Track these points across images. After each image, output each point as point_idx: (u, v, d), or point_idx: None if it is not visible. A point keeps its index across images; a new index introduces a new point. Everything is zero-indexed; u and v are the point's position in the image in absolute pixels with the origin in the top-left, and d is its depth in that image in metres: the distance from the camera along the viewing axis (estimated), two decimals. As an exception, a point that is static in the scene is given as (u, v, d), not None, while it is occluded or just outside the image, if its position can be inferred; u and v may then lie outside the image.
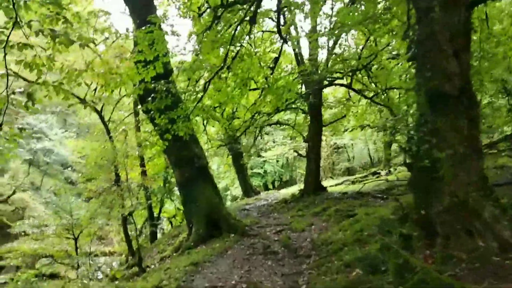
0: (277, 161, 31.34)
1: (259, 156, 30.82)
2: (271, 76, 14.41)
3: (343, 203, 12.78)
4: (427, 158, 5.62)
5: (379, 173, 24.09)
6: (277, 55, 11.80)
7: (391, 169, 24.98)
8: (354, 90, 16.61)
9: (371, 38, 14.61)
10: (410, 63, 16.43)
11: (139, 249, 9.65)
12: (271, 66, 11.09)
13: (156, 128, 8.64)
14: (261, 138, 17.80)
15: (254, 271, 7.16)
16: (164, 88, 7.44)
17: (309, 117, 17.52)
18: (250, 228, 10.48)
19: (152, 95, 7.75)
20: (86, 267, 16.04)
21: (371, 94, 16.84)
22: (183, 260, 8.45)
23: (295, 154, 28.50)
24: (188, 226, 10.46)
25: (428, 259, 5.35)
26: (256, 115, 16.48)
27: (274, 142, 30.04)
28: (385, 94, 16.66)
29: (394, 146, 28.27)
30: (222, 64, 7.85)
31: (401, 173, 22.13)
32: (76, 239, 16.24)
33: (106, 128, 17.31)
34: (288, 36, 12.21)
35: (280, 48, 14.01)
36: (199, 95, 8.45)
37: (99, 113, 17.25)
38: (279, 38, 11.57)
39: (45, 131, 30.22)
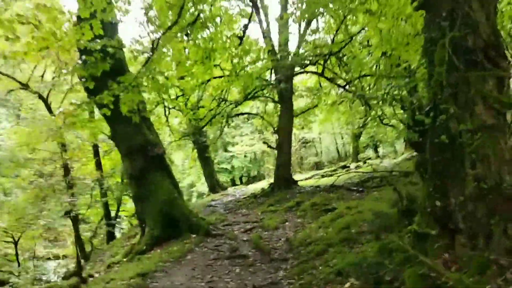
0: (245, 156, 29.73)
1: (226, 150, 29.14)
2: (239, 48, 12.83)
3: (317, 197, 11.34)
4: (443, 133, 4.18)
5: (349, 166, 23.02)
6: (243, 29, 10.10)
7: (360, 163, 24.01)
8: (326, 78, 15.23)
9: (343, 26, 13.34)
10: (381, 53, 15.25)
11: (78, 256, 7.79)
12: (239, 37, 9.36)
13: (92, 99, 6.74)
14: (227, 127, 16.04)
15: (219, 283, 5.51)
16: (99, 47, 5.65)
17: (279, 107, 16.04)
18: (215, 227, 8.83)
19: (83, 56, 5.92)
20: (30, 273, 13.81)
21: (343, 84, 15.56)
22: (131, 269, 6.68)
23: (264, 148, 27.05)
24: (141, 226, 8.68)
25: (451, 265, 3.91)
26: (222, 103, 14.80)
27: (241, 135, 28.44)
28: (358, 83, 15.46)
29: (363, 139, 27.42)
30: (176, 20, 6.14)
31: (370, 167, 21.18)
32: (16, 243, 13.95)
33: (50, 111, 15.07)
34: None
35: (249, 15, 12.29)
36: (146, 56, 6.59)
37: (45, 100, 15.00)
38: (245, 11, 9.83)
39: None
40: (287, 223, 8.82)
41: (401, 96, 18.87)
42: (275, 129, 15.52)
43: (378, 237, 5.60)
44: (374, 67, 14.75)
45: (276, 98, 15.43)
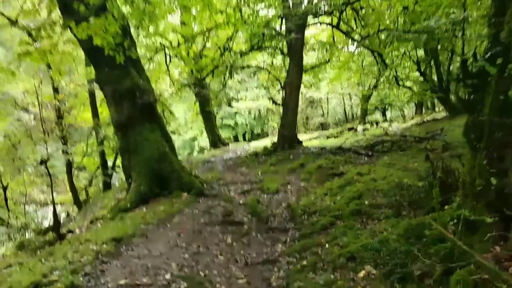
0: (249, 112, 28.52)
1: (230, 106, 27.91)
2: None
3: (323, 159, 10.30)
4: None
5: (355, 129, 21.87)
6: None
7: (368, 125, 22.82)
8: (341, 31, 13.72)
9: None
10: (402, 7, 13.53)
11: (55, 210, 6.88)
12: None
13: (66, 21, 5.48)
14: (231, 80, 14.72)
15: (205, 255, 4.58)
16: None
17: (287, 61, 14.65)
18: (210, 187, 7.88)
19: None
20: (19, 220, 13.19)
21: (359, 39, 14.06)
22: (109, 230, 5.77)
23: (269, 105, 25.80)
24: (127, 181, 7.74)
25: (505, 263, 2.88)
26: (226, 52, 13.42)
27: (246, 91, 27.08)
28: (375, 39, 13.95)
29: (372, 101, 26.03)
30: None
31: (378, 130, 20.03)
32: (5, 188, 13.21)
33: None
34: None
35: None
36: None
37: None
38: None
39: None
40: (288, 186, 7.84)
41: (418, 57, 17.25)
42: (282, 84, 14.22)
43: (400, 214, 4.58)
44: (393, 22, 13.26)
45: (285, 51, 14.00)
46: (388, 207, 5.09)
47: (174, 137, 25.97)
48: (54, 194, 23.06)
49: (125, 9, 12.60)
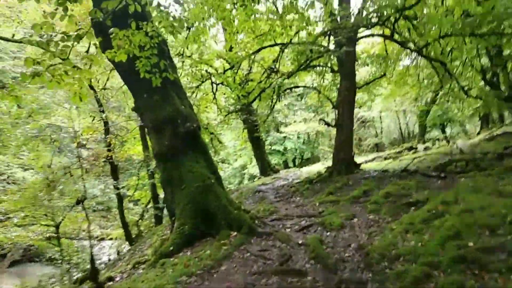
0: (298, 137, 27.33)
1: (278, 131, 26.94)
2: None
3: (389, 184, 8.86)
4: None
5: (416, 148, 19.87)
6: None
7: (429, 144, 20.70)
8: (396, 41, 12.38)
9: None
10: (461, 11, 11.94)
11: (92, 257, 6.09)
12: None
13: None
14: (279, 103, 13.68)
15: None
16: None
17: (338, 80, 13.48)
18: (262, 222, 6.73)
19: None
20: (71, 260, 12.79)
21: (417, 49, 12.60)
22: (148, 281, 4.80)
23: (319, 128, 24.51)
24: (171, 219, 6.85)
25: None
26: (272, 74, 12.53)
27: (294, 115, 26.02)
28: (436, 46, 12.41)
29: (431, 117, 23.83)
30: None
31: (442, 147, 17.96)
32: (57, 226, 12.93)
33: (94, 92, 13.74)
34: None
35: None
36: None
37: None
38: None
39: (53, 106, 27.06)
40: (355, 220, 6.49)
41: (482, 65, 15.26)
42: (334, 104, 13.00)
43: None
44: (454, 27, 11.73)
45: (335, 68, 12.85)
46: (506, 252, 3.67)
47: (224, 166, 25.32)
48: (109, 229, 23.00)
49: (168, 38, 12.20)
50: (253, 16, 7.57)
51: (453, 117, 21.34)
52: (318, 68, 13.21)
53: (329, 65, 12.94)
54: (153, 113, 6.50)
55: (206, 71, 15.23)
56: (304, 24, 12.27)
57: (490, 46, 13.59)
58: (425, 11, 12.31)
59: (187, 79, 15.92)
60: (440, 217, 5.14)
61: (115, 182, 13.75)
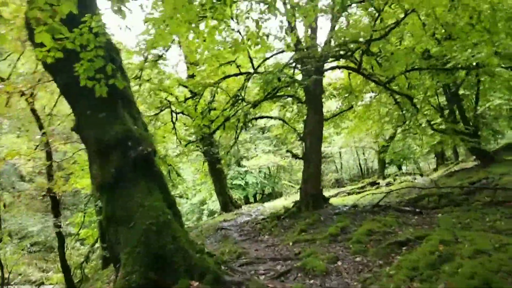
0: (259, 171, 26.30)
1: (239, 165, 25.81)
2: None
3: (369, 221, 7.94)
4: None
5: (378, 183, 19.48)
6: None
7: (390, 179, 20.42)
8: (363, 74, 12.01)
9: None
10: (423, 47, 11.90)
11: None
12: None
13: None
14: (245, 132, 12.61)
15: None
16: None
17: (304, 111, 12.79)
18: (229, 268, 5.42)
19: None
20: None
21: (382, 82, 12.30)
22: None
23: (280, 162, 23.69)
24: (114, 267, 5.37)
25: None
26: (238, 102, 11.59)
27: (255, 149, 25.13)
28: (402, 81, 12.17)
29: (390, 153, 23.84)
30: None
31: (403, 183, 17.64)
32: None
33: (38, 119, 12.03)
34: None
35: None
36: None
37: (27, 98, 11.96)
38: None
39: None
40: (339, 263, 5.38)
41: (440, 103, 15.29)
42: (301, 135, 12.18)
43: None
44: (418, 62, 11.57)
45: (303, 99, 12.17)
46: None
47: (181, 202, 23.54)
48: (51, 272, 20.10)
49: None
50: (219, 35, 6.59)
51: (411, 154, 21.32)
52: (284, 98, 12.48)
53: (296, 95, 12.24)
54: (98, 133, 5.18)
55: (166, 99, 14.05)
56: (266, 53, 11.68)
57: (447, 83, 13.65)
58: (388, 48, 12.11)
59: (145, 106, 14.66)
60: (449, 260, 4.18)
61: (55, 219, 11.79)
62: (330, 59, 11.75)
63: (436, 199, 10.06)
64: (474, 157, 21.31)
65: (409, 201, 10.43)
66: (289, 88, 11.98)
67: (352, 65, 12.21)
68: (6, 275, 13.59)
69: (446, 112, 16.53)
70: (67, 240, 16.80)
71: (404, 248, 5.47)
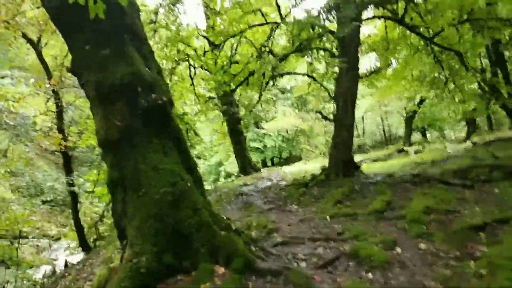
0: (278, 134, 25.05)
1: (258, 127, 24.59)
2: None
3: (419, 195, 6.73)
4: None
5: (406, 150, 18.06)
6: None
7: (418, 147, 18.94)
8: (407, 27, 10.33)
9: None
10: None
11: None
12: None
13: None
14: (273, 84, 11.13)
15: None
16: None
17: (335, 68, 11.27)
18: (262, 250, 4.33)
19: None
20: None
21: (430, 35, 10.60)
22: None
23: (301, 125, 22.36)
24: (121, 244, 4.32)
25: None
26: (264, 54, 10.14)
27: (275, 111, 23.78)
28: (452, 32, 10.44)
29: (419, 118, 22.18)
30: None
31: (432, 152, 16.20)
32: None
33: (46, 69, 10.87)
34: None
35: None
36: None
37: (35, 45, 10.76)
38: None
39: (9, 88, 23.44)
40: (398, 250, 4.22)
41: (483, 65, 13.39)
42: (332, 95, 10.77)
43: None
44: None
45: (336, 53, 10.62)
46: None
47: (199, 163, 22.66)
48: (68, 227, 19.87)
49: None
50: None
51: (443, 120, 19.60)
52: (315, 51, 10.91)
53: (329, 49, 10.69)
54: (99, 75, 3.97)
55: (183, 51, 12.68)
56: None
57: (492, 42, 11.88)
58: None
59: (160, 58, 13.38)
60: None
61: (67, 176, 10.94)
62: (369, 7, 10.06)
63: (487, 171, 8.68)
64: (509, 126, 19.57)
65: (456, 172, 9.08)
66: (321, 40, 10.42)
67: (399, 12, 10.51)
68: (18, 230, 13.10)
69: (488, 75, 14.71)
70: (82, 198, 16.23)
71: (482, 234, 4.25)
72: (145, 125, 4.20)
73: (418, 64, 13.18)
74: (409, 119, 21.32)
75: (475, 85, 15.21)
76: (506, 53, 13.96)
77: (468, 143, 17.19)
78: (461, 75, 12.34)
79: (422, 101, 19.18)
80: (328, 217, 6.02)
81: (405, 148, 18.59)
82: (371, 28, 13.26)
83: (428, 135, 27.07)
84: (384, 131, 25.25)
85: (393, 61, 12.36)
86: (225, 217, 4.48)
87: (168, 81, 13.48)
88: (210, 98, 11.85)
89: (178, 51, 11.21)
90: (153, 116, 4.24)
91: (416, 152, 17.21)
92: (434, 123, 21.26)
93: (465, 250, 3.92)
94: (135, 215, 3.94)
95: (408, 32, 10.91)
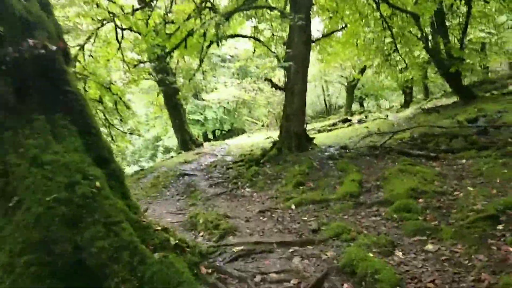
0: (219, 106, 23.30)
1: (197, 99, 22.63)
2: None
3: (387, 169, 5.73)
4: None
5: (350, 120, 17.54)
6: None
7: (361, 116, 18.54)
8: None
9: None
10: None
11: None
12: None
13: None
14: (218, 46, 9.33)
15: None
16: None
17: (285, 31, 9.89)
18: (213, 268, 2.92)
19: None
20: None
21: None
22: None
23: (244, 97, 20.89)
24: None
25: None
26: (205, 11, 8.34)
27: (216, 82, 21.96)
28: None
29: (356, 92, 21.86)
30: None
31: (376, 121, 15.84)
32: None
33: None
34: None
35: None
36: None
37: None
38: None
39: None
40: (400, 255, 3.06)
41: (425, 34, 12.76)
42: (283, 59, 9.37)
43: None
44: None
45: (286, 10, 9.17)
46: None
47: (133, 138, 20.29)
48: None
49: None
50: None
51: (387, 89, 19.26)
52: (263, 10, 9.37)
53: (278, 8, 9.19)
54: None
55: (106, 9, 10.36)
56: None
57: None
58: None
59: (80, 18, 10.93)
60: None
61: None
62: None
63: (446, 140, 8.04)
64: (440, 94, 19.97)
65: (414, 142, 8.34)
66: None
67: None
68: None
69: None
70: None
71: (499, 226, 3.24)
72: (18, 92, 2.45)
73: (365, 31, 12.24)
74: (351, 89, 20.87)
75: (416, 53, 14.78)
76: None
77: (408, 112, 17.12)
78: (413, 41, 11.66)
79: (363, 70, 18.66)
80: (293, 205, 4.75)
81: (349, 117, 18.06)
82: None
83: (365, 104, 27.17)
84: (325, 101, 24.71)
85: (344, 26, 11.19)
86: (160, 227, 2.95)
87: (90, 45, 11.14)
88: (140, 62, 9.80)
89: (98, 5, 8.93)
90: (33, 77, 2.49)
91: (360, 122, 16.74)
92: (375, 92, 21.04)
93: (492, 253, 2.86)
94: (1, 244, 2.26)
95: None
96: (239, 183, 6.85)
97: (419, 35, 12.56)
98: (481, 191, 4.15)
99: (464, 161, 6.23)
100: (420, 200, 4.15)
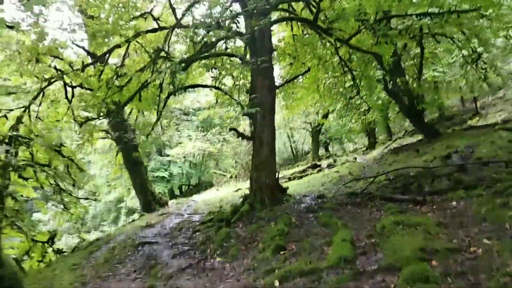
0: (185, 160, 22.15)
1: (161, 155, 21.45)
2: None
3: (376, 219, 4.88)
4: None
5: (319, 165, 16.95)
6: None
7: (329, 160, 18.06)
8: (320, 29, 8.82)
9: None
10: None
11: None
12: None
13: None
14: (176, 95, 8.34)
15: None
16: None
17: (248, 79, 9.33)
18: None
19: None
20: None
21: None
22: None
23: (210, 149, 19.96)
24: None
25: None
26: (160, 61, 7.56)
27: (180, 136, 21.01)
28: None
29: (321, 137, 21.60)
30: None
31: (345, 164, 15.34)
32: None
33: None
34: None
35: None
36: None
37: None
38: None
39: None
40: None
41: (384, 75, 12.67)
42: (246, 109, 8.65)
43: None
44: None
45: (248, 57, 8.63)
46: None
47: (93, 202, 18.41)
48: None
49: None
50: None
51: (348, 132, 19.10)
52: (223, 60, 8.79)
53: (238, 54, 8.65)
54: None
55: (54, 67, 9.42)
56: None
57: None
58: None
59: (23, 77, 9.98)
60: None
61: None
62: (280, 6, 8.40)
63: (428, 180, 7.39)
64: (403, 133, 20.10)
65: (395, 186, 7.64)
66: (228, 45, 8.35)
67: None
68: None
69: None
70: None
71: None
72: None
73: (325, 75, 12.03)
74: (316, 134, 20.61)
75: (375, 95, 14.71)
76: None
77: (375, 153, 16.84)
78: (372, 82, 11.49)
79: (327, 114, 18.55)
80: (277, 282, 3.69)
81: (317, 163, 17.50)
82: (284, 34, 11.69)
83: (330, 149, 27.01)
84: (292, 147, 24.27)
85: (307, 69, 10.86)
86: None
87: (36, 107, 9.98)
88: (88, 120, 8.71)
89: (39, 62, 7.96)
90: None
91: (329, 166, 16.19)
92: (340, 136, 20.87)
93: None
94: None
95: (317, 36, 9.37)
96: (208, 250, 5.69)
97: (377, 77, 12.53)
98: (502, 244, 3.34)
99: (454, 203, 5.52)
100: (434, 263, 3.26)
